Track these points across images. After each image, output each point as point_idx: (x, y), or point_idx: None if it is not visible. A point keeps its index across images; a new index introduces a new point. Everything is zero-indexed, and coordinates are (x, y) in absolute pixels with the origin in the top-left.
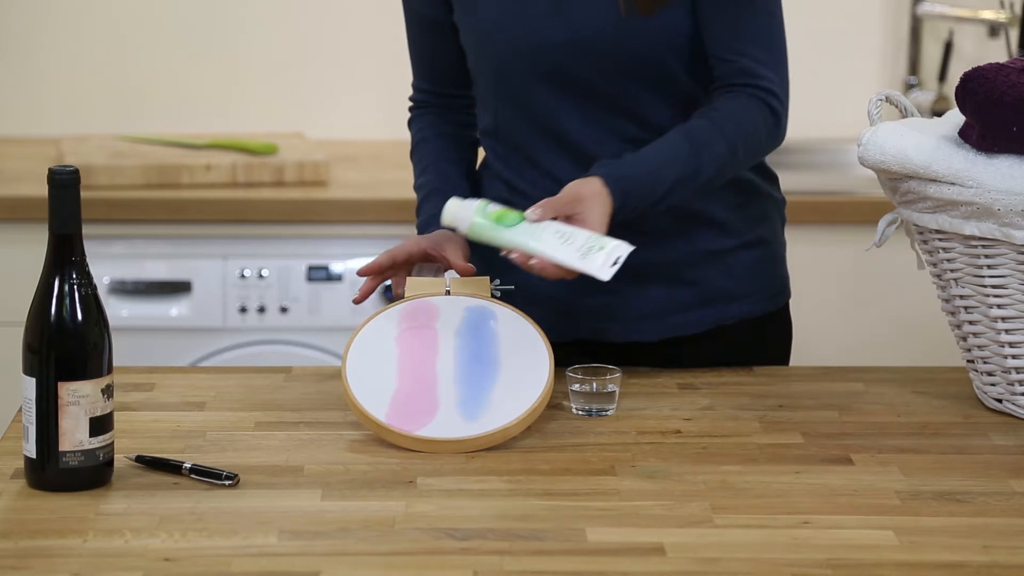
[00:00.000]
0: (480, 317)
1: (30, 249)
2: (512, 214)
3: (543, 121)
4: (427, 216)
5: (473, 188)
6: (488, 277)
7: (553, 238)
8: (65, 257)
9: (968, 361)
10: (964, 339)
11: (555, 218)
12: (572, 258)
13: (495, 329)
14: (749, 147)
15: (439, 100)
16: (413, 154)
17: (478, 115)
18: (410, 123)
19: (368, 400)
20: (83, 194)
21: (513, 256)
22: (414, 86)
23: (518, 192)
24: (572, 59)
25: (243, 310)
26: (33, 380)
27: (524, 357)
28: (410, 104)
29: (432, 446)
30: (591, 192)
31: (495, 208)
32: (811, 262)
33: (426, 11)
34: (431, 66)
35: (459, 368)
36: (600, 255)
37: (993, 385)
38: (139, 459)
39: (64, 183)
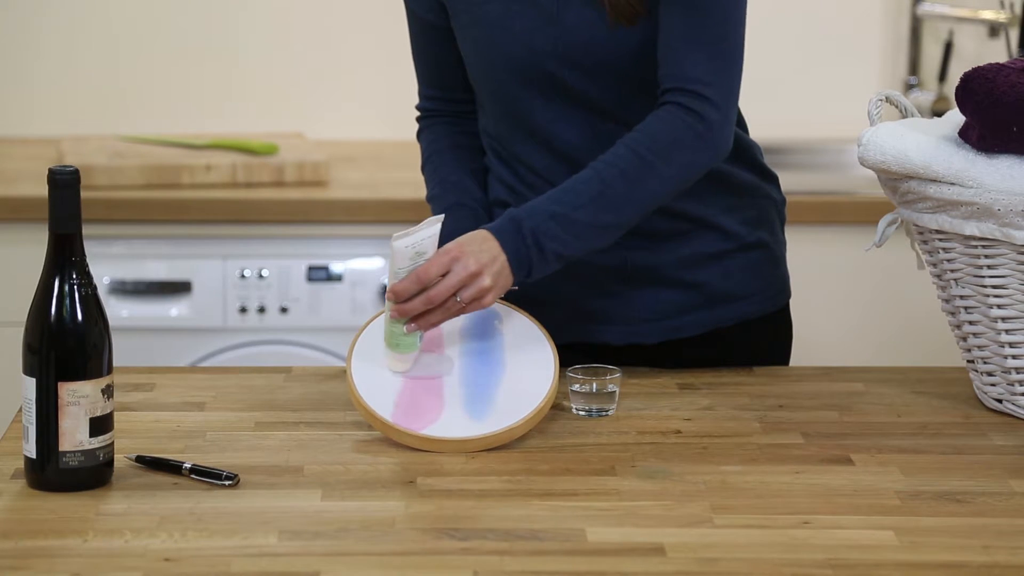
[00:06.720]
0: (484, 317)
1: (30, 249)
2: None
3: (538, 130)
4: (447, 233)
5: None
6: None
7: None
8: (65, 257)
9: (968, 361)
10: (964, 339)
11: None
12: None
13: (500, 329)
14: (668, 158)
15: (449, 107)
16: (426, 165)
17: (479, 118)
18: (419, 134)
19: (374, 399)
20: (83, 194)
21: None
22: (422, 95)
23: (519, 196)
24: (565, 68)
25: (243, 310)
26: (33, 380)
27: (529, 357)
28: (418, 114)
29: (438, 445)
30: (461, 242)
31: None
32: (811, 262)
33: (431, 17)
34: (440, 73)
35: (464, 368)
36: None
37: (993, 385)
38: (139, 459)
39: (64, 183)
